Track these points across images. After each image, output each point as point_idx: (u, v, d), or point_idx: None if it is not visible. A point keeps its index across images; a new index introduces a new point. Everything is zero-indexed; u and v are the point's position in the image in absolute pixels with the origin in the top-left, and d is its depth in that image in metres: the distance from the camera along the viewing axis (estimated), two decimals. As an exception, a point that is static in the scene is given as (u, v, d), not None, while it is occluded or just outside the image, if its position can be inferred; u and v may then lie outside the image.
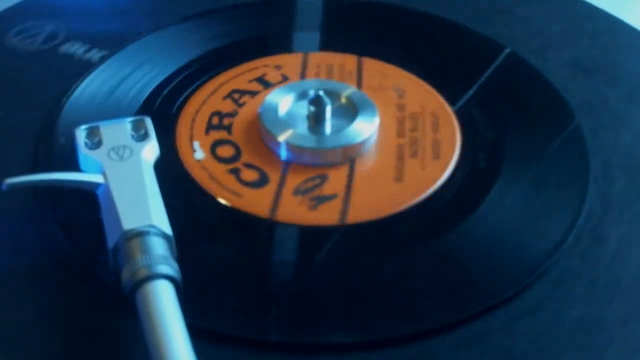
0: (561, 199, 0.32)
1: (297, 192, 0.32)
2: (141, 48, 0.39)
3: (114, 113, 0.35)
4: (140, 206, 0.28)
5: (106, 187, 0.29)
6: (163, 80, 0.37)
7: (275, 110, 0.35)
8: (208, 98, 0.37)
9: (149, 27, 0.41)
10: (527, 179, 0.33)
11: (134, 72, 0.38)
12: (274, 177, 0.33)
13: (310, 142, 0.33)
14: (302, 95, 0.35)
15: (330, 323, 0.28)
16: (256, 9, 0.43)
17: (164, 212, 0.29)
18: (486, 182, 0.33)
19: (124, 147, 0.31)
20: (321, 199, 0.32)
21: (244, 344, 0.27)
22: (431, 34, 0.41)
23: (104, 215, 0.29)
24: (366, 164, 0.34)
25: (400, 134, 0.35)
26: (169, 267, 0.26)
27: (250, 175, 0.33)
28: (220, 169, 0.33)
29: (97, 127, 0.32)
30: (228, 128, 0.35)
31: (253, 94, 0.37)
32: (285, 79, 0.37)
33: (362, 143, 0.34)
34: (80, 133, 0.32)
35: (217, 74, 0.38)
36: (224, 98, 0.36)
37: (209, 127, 0.35)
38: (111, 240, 0.28)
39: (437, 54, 0.40)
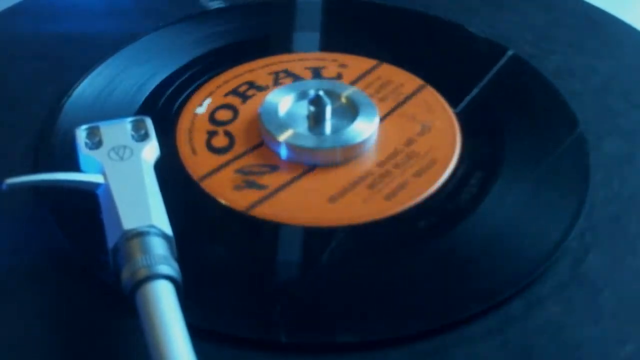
0: (561, 199, 0.32)
1: (239, 170, 0.32)
2: (141, 48, 0.39)
3: (114, 113, 0.35)
4: (141, 206, 0.28)
5: (106, 187, 0.29)
6: (163, 80, 0.37)
7: (275, 110, 0.35)
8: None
9: (149, 27, 0.41)
10: (527, 180, 0.33)
11: (134, 72, 0.38)
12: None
13: (310, 142, 0.33)
14: (302, 95, 0.35)
15: (330, 323, 0.28)
16: (256, 10, 0.43)
17: (164, 212, 0.29)
18: (486, 182, 0.33)
19: (124, 147, 0.31)
20: (250, 184, 0.32)
21: (244, 344, 0.27)
22: (432, 36, 0.41)
23: (104, 215, 0.29)
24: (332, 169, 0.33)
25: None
26: (169, 267, 0.26)
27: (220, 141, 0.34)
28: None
29: (98, 127, 0.32)
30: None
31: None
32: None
33: (362, 143, 0.34)
34: (81, 133, 0.32)
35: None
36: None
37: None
38: (111, 240, 0.28)
39: (438, 56, 0.40)
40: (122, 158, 0.31)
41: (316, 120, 0.34)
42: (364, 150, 0.34)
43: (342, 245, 0.31)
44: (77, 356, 0.27)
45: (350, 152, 0.34)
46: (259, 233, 0.31)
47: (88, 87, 0.37)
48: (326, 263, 0.30)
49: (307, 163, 0.33)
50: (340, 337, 0.28)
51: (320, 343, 0.28)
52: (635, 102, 0.38)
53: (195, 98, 0.36)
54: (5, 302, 0.29)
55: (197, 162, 0.33)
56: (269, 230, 0.31)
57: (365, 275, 0.30)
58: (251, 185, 0.32)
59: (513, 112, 0.36)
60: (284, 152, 0.33)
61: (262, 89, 0.37)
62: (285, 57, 0.39)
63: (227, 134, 0.35)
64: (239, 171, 0.33)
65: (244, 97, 0.37)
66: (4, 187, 0.29)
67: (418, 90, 0.37)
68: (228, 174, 0.33)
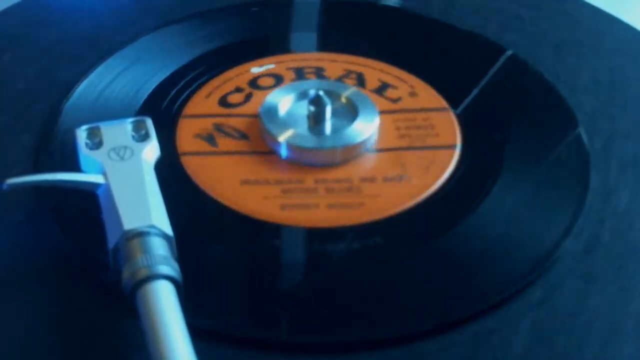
0: (561, 199, 0.32)
1: (239, 170, 0.33)
2: (141, 48, 0.39)
3: (114, 113, 0.35)
4: (141, 206, 0.28)
5: (107, 188, 0.29)
6: (163, 80, 0.37)
7: (275, 110, 0.35)
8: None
9: (149, 27, 0.41)
10: (527, 180, 0.33)
11: (135, 72, 0.38)
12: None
13: (310, 142, 0.33)
14: (302, 95, 0.35)
15: (330, 323, 0.28)
16: (255, 10, 0.43)
17: (165, 212, 0.29)
18: (486, 182, 0.33)
19: (125, 147, 0.31)
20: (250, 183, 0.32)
21: (244, 344, 0.27)
22: (431, 36, 0.41)
23: (105, 215, 0.29)
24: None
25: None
26: (169, 267, 0.26)
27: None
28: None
29: (98, 128, 0.32)
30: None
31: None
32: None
33: (362, 143, 0.34)
34: (81, 133, 0.32)
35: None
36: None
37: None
38: (112, 241, 0.28)
39: (436, 56, 0.40)
40: (122, 158, 0.31)
41: (316, 120, 0.34)
42: (364, 150, 0.34)
43: (342, 245, 0.31)
44: (77, 356, 0.27)
45: (350, 152, 0.34)
46: (260, 233, 0.31)
47: (88, 88, 0.37)
48: (326, 263, 0.30)
49: (307, 163, 0.33)
50: (340, 337, 0.28)
51: (321, 343, 0.28)
52: (635, 102, 0.38)
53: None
54: (5, 302, 0.29)
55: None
56: (270, 230, 0.31)
57: (365, 275, 0.30)
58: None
59: (512, 112, 0.36)
60: (284, 152, 0.33)
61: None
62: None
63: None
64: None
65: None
66: (4, 187, 0.29)
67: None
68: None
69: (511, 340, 0.28)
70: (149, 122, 0.32)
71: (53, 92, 0.37)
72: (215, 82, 0.37)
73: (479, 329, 0.28)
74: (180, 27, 0.41)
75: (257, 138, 0.34)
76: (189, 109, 0.36)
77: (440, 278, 0.30)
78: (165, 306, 0.25)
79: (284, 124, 0.34)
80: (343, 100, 0.35)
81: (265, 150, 0.34)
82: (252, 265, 0.30)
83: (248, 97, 0.37)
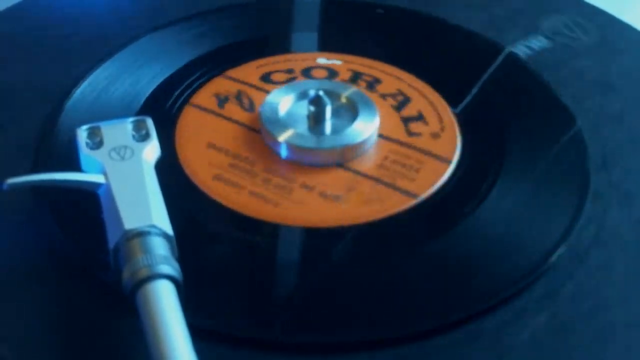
0: (561, 199, 0.32)
1: (240, 170, 0.33)
2: (141, 48, 0.39)
3: (115, 113, 0.35)
4: (141, 206, 0.28)
5: (107, 187, 0.29)
6: (163, 80, 0.37)
7: (275, 110, 0.35)
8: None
9: (149, 27, 0.41)
10: (527, 180, 0.33)
11: (135, 72, 0.38)
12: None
13: (310, 142, 0.33)
14: (302, 95, 0.35)
15: (330, 323, 0.28)
16: (255, 10, 0.43)
17: (165, 212, 0.29)
18: (486, 182, 0.33)
19: (125, 147, 0.31)
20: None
21: (244, 344, 0.27)
22: (430, 35, 0.41)
23: (105, 215, 0.29)
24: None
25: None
26: (169, 267, 0.26)
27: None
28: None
29: (98, 127, 0.32)
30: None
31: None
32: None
33: (362, 143, 0.34)
34: (82, 133, 0.32)
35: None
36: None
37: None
38: (112, 240, 0.28)
39: (435, 55, 0.40)
40: (123, 158, 0.31)
41: (316, 120, 0.34)
42: (364, 150, 0.34)
43: (342, 245, 0.31)
44: (77, 356, 0.27)
45: (350, 152, 0.34)
46: (260, 233, 0.31)
47: (89, 87, 0.37)
48: (326, 263, 0.30)
49: (307, 163, 0.33)
50: (340, 337, 0.28)
51: (320, 343, 0.28)
52: (635, 102, 0.38)
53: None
54: (5, 302, 0.29)
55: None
56: (270, 230, 0.31)
57: (365, 275, 0.30)
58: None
59: (512, 112, 0.36)
60: (284, 152, 0.33)
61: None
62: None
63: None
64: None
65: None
66: (5, 187, 0.29)
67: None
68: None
69: (511, 341, 0.28)
70: (150, 122, 0.32)
71: (53, 92, 0.37)
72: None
73: (478, 329, 0.28)
74: (181, 27, 0.41)
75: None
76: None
77: (440, 278, 0.30)
78: (166, 306, 0.25)
79: (284, 124, 0.34)
80: (343, 100, 0.35)
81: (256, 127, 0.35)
82: (252, 265, 0.30)
83: (291, 80, 0.37)
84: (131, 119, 0.32)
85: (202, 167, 0.33)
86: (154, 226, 0.28)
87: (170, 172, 0.32)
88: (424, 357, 0.27)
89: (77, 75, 0.37)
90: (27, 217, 0.31)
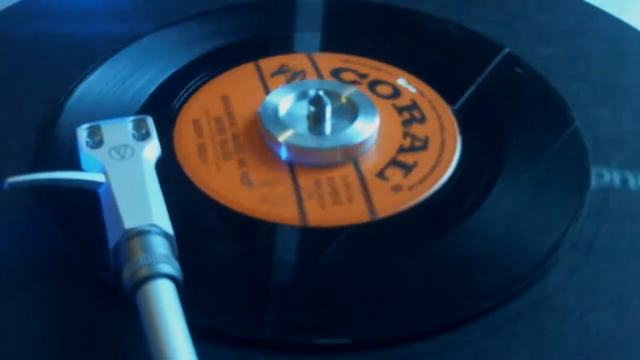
0: (561, 199, 0.33)
1: (240, 170, 0.33)
2: (142, 48, 0.39)
3: (115, 112, 0.35)
4: (142, 205, 0.28)
5: (107, 187, 0.29)
6: (164, 80, 0.37)
7: (275, 110, 0.35)
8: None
9: (150, 27, 0.41)
10: (526, 179, 0.33)
11: (135, 72, 0.38)
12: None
13: (310, 142, 0.33)
14: (302, 95, 0.35)
15: (330, 323, 0.28)
16: (257, 9, 0.43)
17: (165, 211, 0.29)
18: (486, 182, 0.33)
19: (125, 146, 0.31)
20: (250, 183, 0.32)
21: (244, 344, 0.27)
22: (430, 35, 0.41)
23: (105, 214, 0.29)
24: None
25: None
26: (170, 266, 0.26)
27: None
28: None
29: (99, 126, 0.32)
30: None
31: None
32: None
33: (362, 143, 0.34)
34: (82, 132, 0.32)
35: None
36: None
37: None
38: (112, 240, 0.28)
39: (436, 54, 0.40)
40: (123, 157, 0.31)
41: (316, 120, 0.34)
42: (364, 150, 0.34)
43: (342, 245, 0.31)
44: (77, 356, 0.27)
45: (350, 152, 0.34)
46: (260, 233, 0.31)
47: (89, 87, 0.37)
48: (326, 263, 0.30)
49: (307, 163, 0.33)
50: (340, 337, 0.28)
51: (320, 343, 0.28)
52: (635, 102, 0.38)
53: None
54: (5, 302, 0.29)
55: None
56: (270, 230, 0.31)
57: (365, 275, 0.30)
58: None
59: (511, 111, 0.36)
60: (283, 152, 0.33)
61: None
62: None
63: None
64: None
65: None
66: (5, 186, 0.29)
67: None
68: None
69: (511, 341, 0.28)
70: (150, 121, 0.32)
71: (54, 91, 0.37)
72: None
73: (478, 329, 0.28)
74: (182, 26, 0.41)
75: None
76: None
77: (440, 278, 0.30)
78: (166, 305, 0.25)
79: (284, 124, 0.34)
80: (343, 100, 0.35)
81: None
82: (252, 265, 0.30)
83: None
84: (131, 118, 0.32)
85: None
86: (154, 225, 0.27)
87: (170, 171, 0.32)
88: (423, 357, 0.27)
89: (77, 75, 0.37)
90: (27, 217, 0.31)
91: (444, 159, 0.34)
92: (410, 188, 0.33)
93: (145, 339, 0.25)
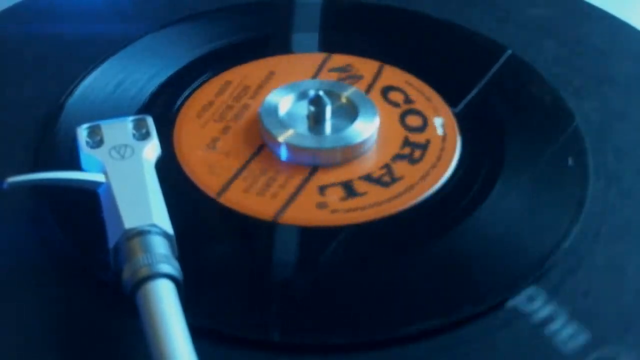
0: (561, 199, 0.32)
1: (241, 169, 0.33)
2: (142, 48, 0.39)
3: (115, 112, 0.35)
4: (142, 205, 0.28)
5: (107, 186, 0.29)
6: (164, 80, 0.37)
7: (275, 110, 0.35)
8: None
9: (149, 27, 0.41)
10: (527, 180, 0.33)
11: (135, 72, 0.38)
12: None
13: (310, 142, 0.33)
14: (302, 95, 0.35)
15: (330, 323, 0.28)
16: (257, 9, 0.43)
17: (165, 211, 0.29)
18: (486, 182, 0.33)
19: (125, 146, 0.31)
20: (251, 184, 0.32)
21: (244, 344, 0.27)
22: (431, 36, 0.41)
23: (105, 214, 0.29)
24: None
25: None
26: (170, 266, 0.26)
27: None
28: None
29: (99, 126, 0.32)
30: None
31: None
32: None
33: (362, 143, 0.34)
34: (82, 132, 0.32)
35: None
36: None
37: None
38: (112, 240, 0.28)
39: (437, 56, 0.40)
40: (123, 157, 0.31)
41: (316, 120, 0.34)
42: (364, 150, 0.34)
43: (342, 245, 0.31)
44: (77, 356, 0.27)
45: (350, 152, 0.34)
46: (260, 233, 0.31)
47: (89, 87, 0.37)
48: (326, 263, 0.30)
49: (307, 163, 0.33)
50: (340, 338, 0.28)
51: (320, 343, 0.28)
52: (635, 102, 0.38)
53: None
54: (5, 302, 0.29)
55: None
56: (269, 230, 0.31)
57: (364, 275, 0.30)
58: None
59: (512, 112, 0.36)
60: (284, 153, 0.33)
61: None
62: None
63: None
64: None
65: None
66: (5, 186, 0.29)
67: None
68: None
69: (512, 341, 0.28)
70: (150, 121, 0.32)
71: (54, 91, 0.37)
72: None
73: (478, 329, 0.28)
74: (182, 26, 0.41)
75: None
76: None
77: (440, 278, 0.30)
78: (166, 305, 0.25)
79: (284, 124, 0.34)
80: (343, 100, 0.35)
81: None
82: (252, 265, 0.30)
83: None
84: (131, 118, 0.32)
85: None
86: (154, 225, 0.27)
87: (170, 171, 0.32)
88: (423, 357, 0.27)
89: (77, 75, 0.37)
90: (27, 217, 0.31)
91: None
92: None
93: (145, 339, 0.25)
